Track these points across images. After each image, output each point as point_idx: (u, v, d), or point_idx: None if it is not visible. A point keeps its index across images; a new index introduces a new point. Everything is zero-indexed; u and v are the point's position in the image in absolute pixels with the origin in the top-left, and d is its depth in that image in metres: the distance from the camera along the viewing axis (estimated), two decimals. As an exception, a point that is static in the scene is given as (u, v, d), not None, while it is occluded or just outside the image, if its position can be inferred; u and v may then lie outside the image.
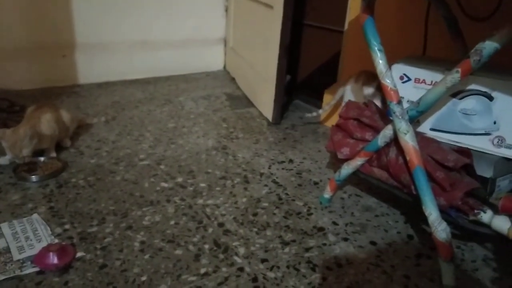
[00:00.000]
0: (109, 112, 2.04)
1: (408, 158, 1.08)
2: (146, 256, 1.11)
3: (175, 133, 1.87)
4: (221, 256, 1.13)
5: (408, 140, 1.07)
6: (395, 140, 1.15)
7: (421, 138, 1.15)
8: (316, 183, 1.53)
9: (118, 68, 2.51)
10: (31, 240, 1.11)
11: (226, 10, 2.76)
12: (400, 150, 1.12)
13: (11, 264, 1.02)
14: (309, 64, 2.41)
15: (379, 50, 1.09)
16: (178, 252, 1.13)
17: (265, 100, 2.10)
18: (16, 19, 2.12)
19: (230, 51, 2.79)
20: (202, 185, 1.47)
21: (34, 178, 1.40)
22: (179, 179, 1.49)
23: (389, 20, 1.76)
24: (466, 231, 1.13)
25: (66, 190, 1.38)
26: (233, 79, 2.68)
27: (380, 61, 1.10)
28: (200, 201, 1.37)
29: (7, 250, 1.06)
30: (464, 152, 1.09)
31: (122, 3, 2.40)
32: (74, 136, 1.74)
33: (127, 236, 1.18)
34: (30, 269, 1.01)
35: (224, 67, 2.90)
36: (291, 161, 1.70)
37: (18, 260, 1.03)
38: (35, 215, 1.21)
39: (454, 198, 1.01)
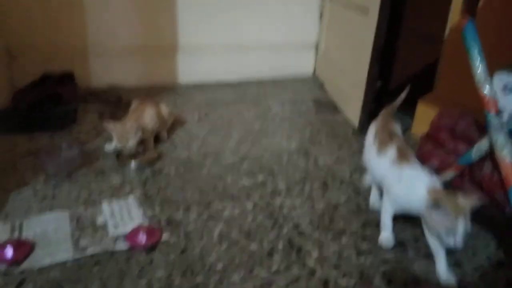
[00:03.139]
0: (202, 110, 2.18)
1: (503, 175, 0.98)
2: (223, 247, 1.17)
3: (259, 134, 1.93)
4: (294, 256, 1.14)
5: (505, 155, 0.98)
6: (490, 155, 1.05)
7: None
8: (399, 195, 1.46)
9: (213, 70, 2.67)
10: (125, 219, 1.24)
11: (321, 15, 2.76)
12: (496, 166, 1.03)
13: (107, 239, 1.15)
14: (403, 70, 2.30)
15: (480, 56, 1.02)
16: (253, 246, 1.17)
17: (352, 106, 2.07)
18: (126, 21, 2.37)
19: (321, 56, 2.79)
20: (281, 185, 1.50)
21: (133, 165, 1.56)
22: (260, 178, 1.54)
23: (493, 25, 1.61)
24: None
25: (159, 178, 1.51)
26: (322, 85, 2.67)
27: (479, 68, 1.02)
28: (278, 201, 1.40)
29: (105, 226, 1.20)
30: None
31: (219, 8, 2.54)
32: (170, 130, 1.90)
33: (208, 225, 1.26)
34: (121, 245, 1.13)
35: (314, 72, 2.91)
36: (374, 170, 1.64)
37: (113, 236, 1.16)
38: (131, 198, 1.35)
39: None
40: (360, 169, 1.63)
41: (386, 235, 1.19)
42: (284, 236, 1.23)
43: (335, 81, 2.43)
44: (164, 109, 1.84)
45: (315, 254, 1.16)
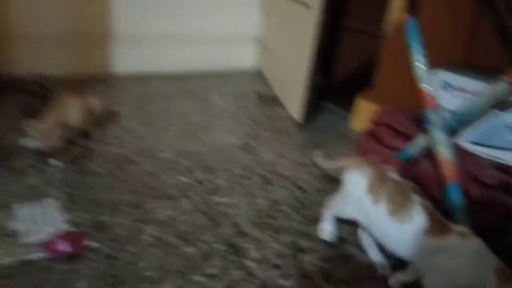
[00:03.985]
0: (138, 103, 2.04)
1: (443, 172, 0.99)
2: (155, 251, 1.07)
3: (199, 128, 1.84)
4: (232, 257, 1.08)
5: (444, 152, 0.98)
6: (429, 151, 1.06)
7: (458, 150, 1.06)
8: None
9: (152, 61, 2.52)
10: (42, 224, 1.09)
11: (264, 7, 2.71)
12: (434, 162, 1.03)
13: (19, 247, 1.01)
14: (344, 66, 2.32)
15: (421, 54, 1.01)
16: (189, 249, 1.09)
17: (294, 100, 2.04)
18: (56, 7, 2.16)
19: (264, 50, 2.75)
20: (220, 182, 1.43)
21: (54, 162, 1.40)
22: (198, 174, 1.46)
23: (433, 24, 1.65)
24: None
25: (85, 177, 1.37)
26: (265, 78, 2.62)
27: (420, 65, 1.01)
28: (216, 198, 1.33)
29: (17, 232, 1.06)
30: (506, 170, 0.99)
31: (159, -4, 2.41)
32: (102, 124, 1.74)
33: (138, 228, 1.15)
34: (37, 254, 0.99)
35: (258, 65, 2.86)
36: (315, 164, 1.62)
37: (26, 244, 1.02)
38: (49, 200, 1.21)
39: (490, 218, 0.91)
40: (301, 164, 1.60)
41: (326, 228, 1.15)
42: (222, 236, 1.16)
43: (277, 74, 2.40)
44: (94, 102, 1.68)
45: (254, 254, 1.10)
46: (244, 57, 2.84)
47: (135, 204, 1.25)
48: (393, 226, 0.94)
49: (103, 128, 1.73)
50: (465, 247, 0.85)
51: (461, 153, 1.05)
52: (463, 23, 1.27)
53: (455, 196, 0.98)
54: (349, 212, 1.07)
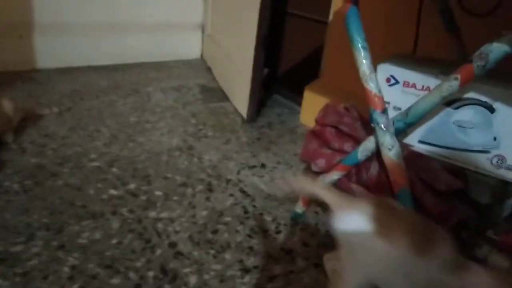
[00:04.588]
0: (64, 102, 1.82)
1: (392, 178, 0.91)
2: (75, 286, 0.92)
3: (136, 129, 1.67)
4: (167, 287, 0.95)
5: (393, 157, 0.90)
6: (377, 155, 0.98)
7: (408, 152, 0.99)
8: (288, 194, 1.36)
9: (82, 53, 2.28)
10: None
11: (205, -7, 2.53)
12: (383, 167, 0.95)
13: None
14: (291, 56, 2.22)
15: (363, 47, 0.91)
16: (115, 280, 0.95)
17: (240, 94, 1.91)
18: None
19: (207, 39, 2.58)
20: (158, 193, 1.28)
21: (-43, 181, 1.19)
22: (132, 186, 1.30)
23: (376, 13, 1.57)
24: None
25: (-5, 196, 1.17)
26: (209, 69, 2.47)
27: (363, 61, 0.92)
28: (153, 214, 1.19)
29: None
30: (458, 173, 0.93)
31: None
32: (19, 129, 1.53)
33: (57, 258, 0.99)
34: None
35: (201, 55, 2.69)
36: (263, 165, 1.52)
37: None
38: None
39: (444, 228, 0.84)
40: (249, 167, 1.49)
41: None
42: (157, 260, 1.02)
43: (222, 66, 2.25)
44: (7, 103, 1.46)
45: (193, 280, 0.98)
46: (188, 47, 2.66)
47: (55, 227, 1.09)
48: (419, 267, 0.72)
49: (21, 133, 1.52)
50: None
51: (410, 155, 0.98)
52: (411, 10, 1.20)
53: (406, 203, 0.91)
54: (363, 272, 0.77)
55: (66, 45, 2.21)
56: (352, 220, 0.75)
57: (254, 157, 1.57)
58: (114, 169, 1.38)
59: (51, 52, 2.18)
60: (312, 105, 1.80)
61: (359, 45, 0.91)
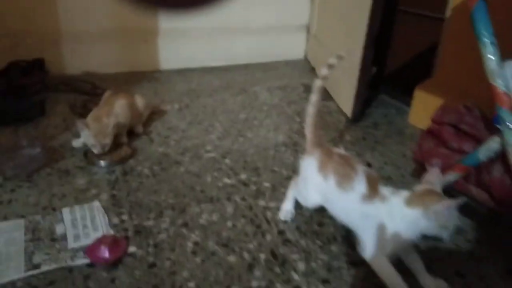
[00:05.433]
0: (183, 99, 2.02)
1: (519, 181, 0.85)
2: (198, 259, 1.03)
3: (245, 125, 1.78)
4: (277, 269, 1.02)
5: (521, 158, 0.84)
6: (502, 156, 0.92)
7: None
8: (396, 194, 1.33)
9: (198, 55, 2.49)
10: (88, 228, 1.10)
11: (312, -5, 2.58)
12: (508, 169, 0.89)
13: (65, 253, 1.01)
14: (400, 55, 2.15)
15: (491, 43, 0.87)
16: (231, 258, 1.04)
17: (345, 93, 1.91)
18: (102, 4, 2.18)
19: (312, 39, 2.62)
20: (266, 184, 1.36)
21: (102, 163, 1.41)
22: (243, 176, 1.40)
23: (506, 7, 1.45)
24: None
25: (130, 178, 1.36)
26: (313, 69, 2.51)
27: (491, 57, 0.87)
28: (262, 203, 1.27)
29: (64, 237, 1.06)
30: None
31: (204, -12, 2.35)
32: (147, 122, 1.74)
33: (182, 234, 1.12)
34: (81, 260, 0.99)
35: (305, 56, 2.74)
36: (369, 165, 1.51)
37: (72, 249, 1.02)
38: (96, 203, 1.21)
39: None
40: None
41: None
42: (267, 245, 1.09)
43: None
44: (139, 100, 1.68)
45: (301, 266, 1.03)
46: (292, 48, 2.73)
47: (179, 207, 1.23)
48: (341, 197, 0.99)
49: (149, 126, 1.73)
50: (383, 209, 0.92)
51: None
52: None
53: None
54: (310, 197, 1.10)
55: (184, 48, 2.44)
56: (308, 160, 1.09)
57: (360, 156, 1.57)
58: (227, 160, 1.49)
59: (171, 54, 2.43)
60: (424, 105, 1.73)
61: (487, 40, 0.87)
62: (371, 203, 0.94)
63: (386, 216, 0.91)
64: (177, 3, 1.00)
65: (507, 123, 0.86)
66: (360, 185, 0.96)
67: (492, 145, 0.92)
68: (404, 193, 0.93)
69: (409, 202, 0.89)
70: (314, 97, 1.16)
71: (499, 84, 0.86)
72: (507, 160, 0.88)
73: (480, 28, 0.87)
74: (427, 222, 0.86)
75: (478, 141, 0.99)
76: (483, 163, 0.96)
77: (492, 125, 1.01)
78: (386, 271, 0.93)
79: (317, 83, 1.16)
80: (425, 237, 0.90)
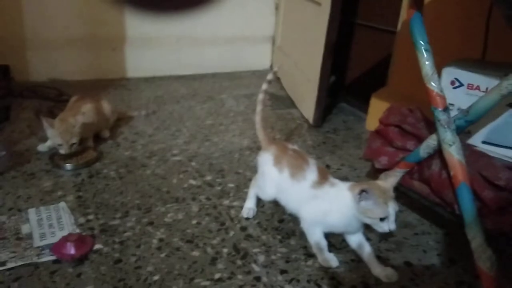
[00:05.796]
0: (150, 106, 2.07)
1: (452, 173, 0.96)
2: (162, 255, 1.08)
3: (211, 131, 1.84)
4: (239, 262, 1.07)
5: (453, 153, 0.95)
6: (439, 152, 1.02)
7: (470, 151, 1.02)
8: (351, 193, 1.42)
9: (165, 64, 2.55)
10: (53, 228, 1.12)
11: (276, 7, 2.70)
12: (444, 164, 1.00)
13: (30, 250, 1.03)
14: (357, 65, 2.29)
15: (426, 50, 0.98)
16: (195, 253, 1.09)
17: (307, 101, 2.02)
18: (69, 11, 2.20)
19: (277, 50, 2.73)
20: (231, 185, 1.42)
21: (68, 166, 1.43)
22: (208, 178, 1.46)
23: (445, 19, 1.60)
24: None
25: (96, 180, 1.39)
26: (278, 78, 2.61)
27: (426, 62, 0.98)
28: (226, 202, 1.33)
29: (30, 236, 1.08)
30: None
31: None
32: (114, 127, 1.77)
33: (147, 232, 1.16)
34: (47, 257, 1.01)
35: (271, 66, 2.84)
36: (327, 167, 1.60)
37: (38, 247, 1.04)
38: (62, 203, 1.23)
39: (503, 222, 0.87)
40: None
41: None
42: (230, 240, 1.15)
43: (290, 75, 2.38)
44: (106, 105, 1.71)
45: (261, 258, 1.09)
46: (259, 58, 2.83)
47: (145, 207, 1.27)
48: (294, 187, 1.08)
49: (116, 131, 1.75)
50: (332, 194, 1.03)
51: (472, 154, 1.02)
52: (477, 15, 1.23)
53: (466, 198, 0.95)
54: (268, 190, 1.17)
55: (151, 57, 2.49)
56: (264, 156, 1.18)
57: (319, 159, 1.66)
58: (193, 163, 1.55)
59: (139, 63, 2.47)
60: (379, 112, 1.84)
61: (422, 47, 0.98)
62: (321, 188, 1.05)
63: (333, 198, 1.02)
64: (164, 5, 1.06)
65: (441, 122, 0.96)
66: (311, 174, 1.07)
67: (430, 142, 1.03)
68: (353, 182, 1.03)
69: (351, 187, 1.00)
70: (258, 108, 1.29)
71: (433, 86, 0.97)
72: (443, 155, 0.99)
73: (416, 36, 0.99)
74: (356, 206, 0.96)
75: (420, 140, 1.09)
76: (424, 159, 1.06)
77: (432, 126, 1.12)
78: (315, 238, 1.07)
79: (260, 96, 1.30)
80: (366, 225, 1.01)
